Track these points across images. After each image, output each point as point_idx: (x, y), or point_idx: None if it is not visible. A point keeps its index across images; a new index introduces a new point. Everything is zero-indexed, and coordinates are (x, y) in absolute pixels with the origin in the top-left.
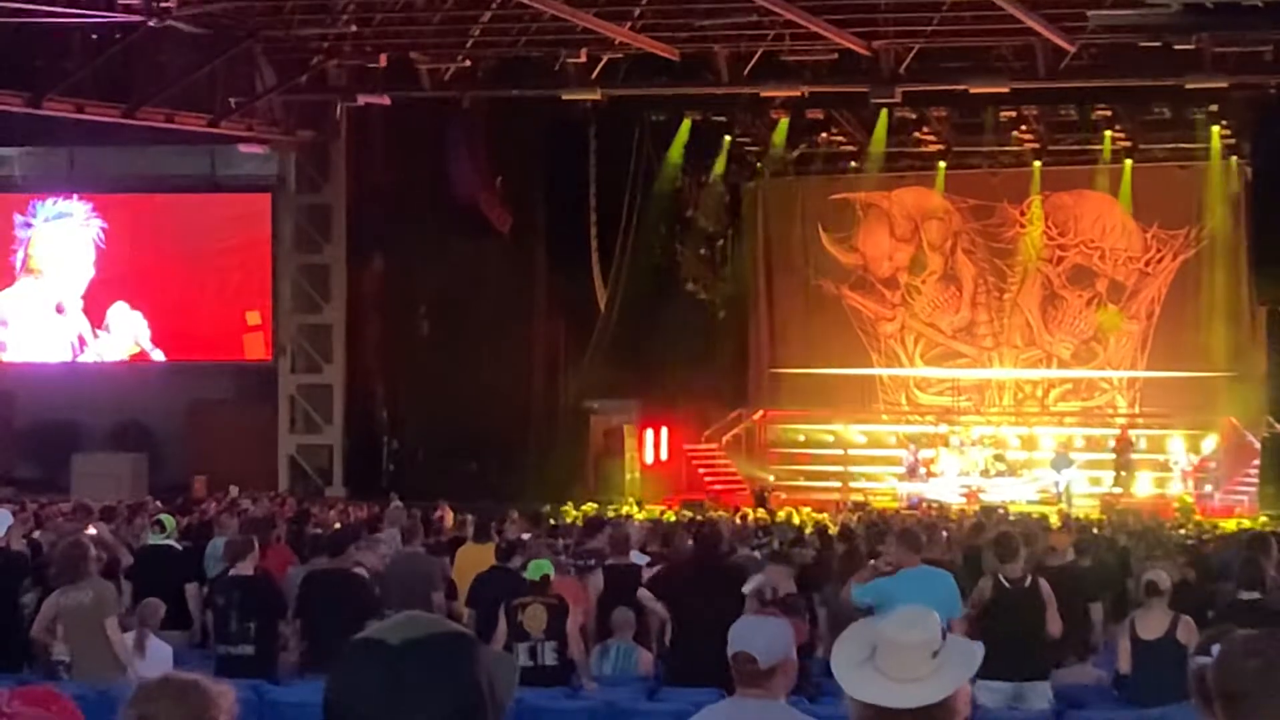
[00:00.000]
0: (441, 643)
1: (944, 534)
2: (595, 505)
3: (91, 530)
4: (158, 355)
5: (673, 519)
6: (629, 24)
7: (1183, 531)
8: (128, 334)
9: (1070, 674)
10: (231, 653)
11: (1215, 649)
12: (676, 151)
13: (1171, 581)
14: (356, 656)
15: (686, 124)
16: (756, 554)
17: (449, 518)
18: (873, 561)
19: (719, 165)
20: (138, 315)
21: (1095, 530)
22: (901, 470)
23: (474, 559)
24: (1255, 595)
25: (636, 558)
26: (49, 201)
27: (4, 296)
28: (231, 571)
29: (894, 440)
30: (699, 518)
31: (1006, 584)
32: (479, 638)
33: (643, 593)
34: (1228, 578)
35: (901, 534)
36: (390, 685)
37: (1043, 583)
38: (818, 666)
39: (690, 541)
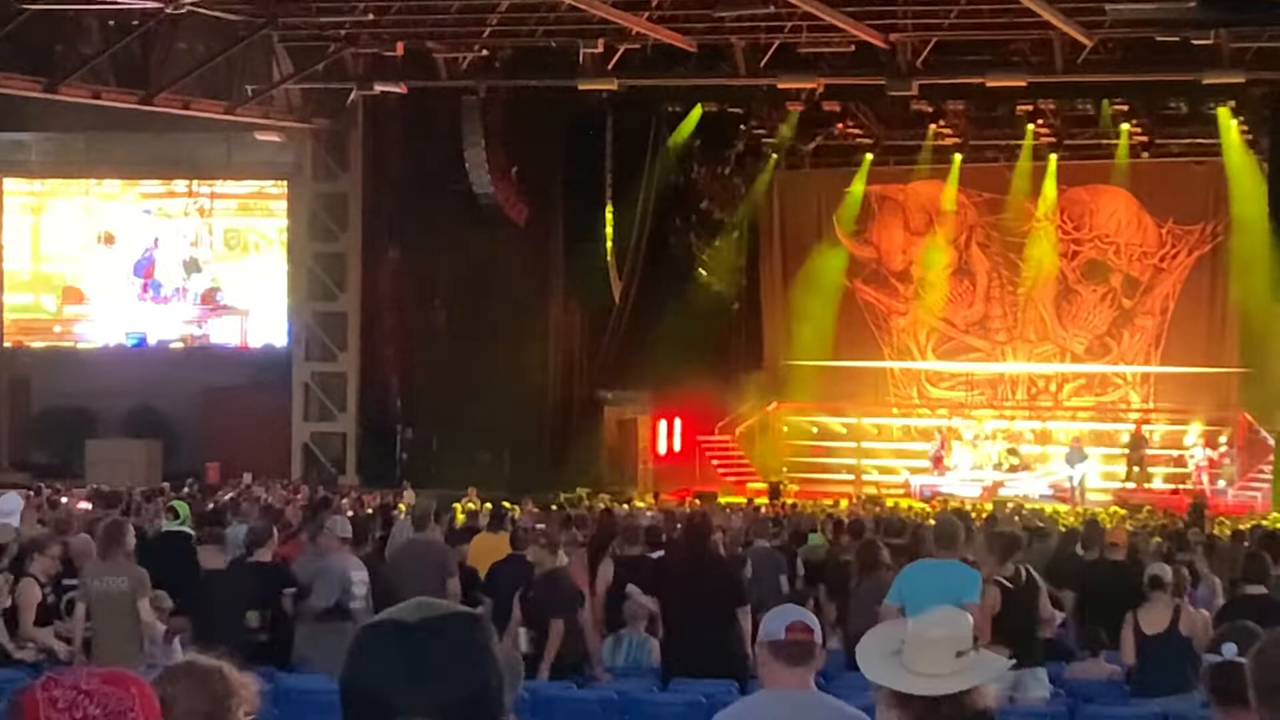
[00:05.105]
0: (458, 622)
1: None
2: (609, 495)
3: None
4: (167, 339)
5: (685, 510)
6: (646, 14)
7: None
8: (149, 323)
9: (1083, 669)
10: (245, 639)
11: (1226, 648)
12: (685, 130)
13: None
14: (373, 637)
15: (697, 110)
16: (769, 543)
17: (461, 505)
18: None
19: (734, 157)
20: (150, 299)
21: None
22: (928, 459)
23: (489, 548)
24: (1260, 590)
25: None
26: (68, 185)
27: (26, 288)
28: (248, 559)
29: (903, 433)
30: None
31: (1008, 584)
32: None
33: (631, 587)
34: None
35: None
36: (409, 664)
37: (1035, 575)
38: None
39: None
